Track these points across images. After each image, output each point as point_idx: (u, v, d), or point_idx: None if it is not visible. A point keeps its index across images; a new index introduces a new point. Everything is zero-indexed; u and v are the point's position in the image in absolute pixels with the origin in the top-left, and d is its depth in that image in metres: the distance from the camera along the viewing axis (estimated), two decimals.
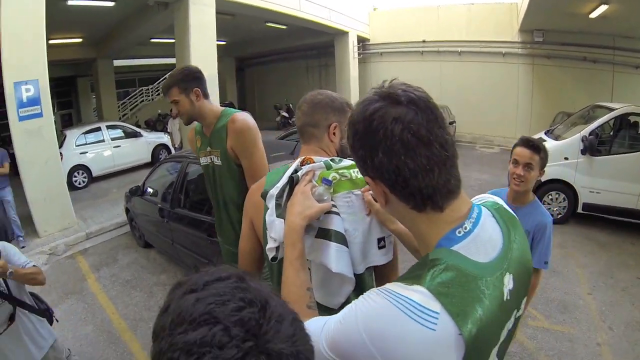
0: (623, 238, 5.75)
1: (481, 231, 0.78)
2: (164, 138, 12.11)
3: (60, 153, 7.26)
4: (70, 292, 4.70)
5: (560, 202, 6.27)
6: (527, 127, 12.20)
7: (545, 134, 7.13)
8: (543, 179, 6.03)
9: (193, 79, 2.23)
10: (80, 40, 13.27)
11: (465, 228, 0.77)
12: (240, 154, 2.17)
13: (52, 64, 6.31)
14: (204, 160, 2.40)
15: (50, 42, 6.24)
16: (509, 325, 0.81)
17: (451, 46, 14.34)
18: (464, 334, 0.66)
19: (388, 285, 0.73)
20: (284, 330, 0.49)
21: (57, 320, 2.53)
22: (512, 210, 2.20)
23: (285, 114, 15.03)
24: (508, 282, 0.78)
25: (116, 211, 7.33)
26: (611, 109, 6.18)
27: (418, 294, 0.68)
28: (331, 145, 1.42)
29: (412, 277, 0.73)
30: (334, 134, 1.40)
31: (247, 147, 2.16)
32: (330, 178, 1.17)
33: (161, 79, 19.83)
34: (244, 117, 2.20)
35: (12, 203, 6.04)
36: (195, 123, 2.40)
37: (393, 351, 0.67)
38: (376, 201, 1.07)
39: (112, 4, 9.48)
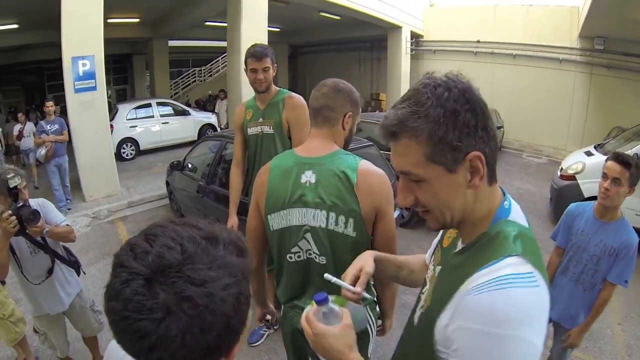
0: None
1: (513, 201, 0.84)
2: (212, 118, 12.54)
3: (112, 125, 7.67)
4: (107, 253, 5.06)
5: None
6: (580, 139, 11.48)
7: (595, 147, 6.73)
8: (586, 194, 5.82)
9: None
10: (137, 20, 13.80)
11: (507, 199, 0.83)
12: (293, 125, 2.60)
13: (110, 42, 6.71)
14: (252, 131, 2.74)
15: (109, 21, 6.60)
16: None
17: (506, 48, 13.74)
18: (548, 285, 0.72)
19: (479, 280, 0.72)
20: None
21: (85, 273, 2.76)
22: (600, 225, 2.27)
23: None
24: None
25: (158, 184, 7.67)
26: None
27: (508, 267, 0.70)
28: (341, 133, 1.55)
29: (490, 255, 0.75)
30: (347, 122, 1.53)
31: (299, 121, 2.57)
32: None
33: (214, 61, 20.34)
34: (299, 96, 2.65)
35: (67, 169, 6.51)
36: (246, 99, 2.85)
37: (523, 325, 0.67)
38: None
39: None
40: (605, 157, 5.92)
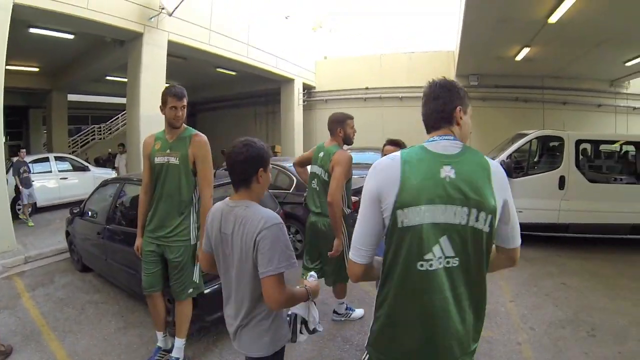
0: (550, 252, 6.20)
1: (439, 139, 1.46)
2: (112, 173, 11.97)
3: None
4: (3, 307, 4.59)
5: None
6: None
7: None
8: None
9: None
10: (37, 69, 13.31)
11: (433, 139, 1.47)
12: (198, 159, 3.01)
13: (5, 91, 6.37)
14: (159, 160, 3.04)
15: (7, 67, 6.33)
16: None
17: (393, 92, 15.12)
18: (407, 163, 1.39)
19: None
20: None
21: None
22: None
23: None
24: None
25: (57, 239, 7.20)
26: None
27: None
28: (340, 138, 3.53)
29: None
30: (340, 133, 3.53)
31: (204, 156, 3.03)
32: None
33: (114, 119, 19.70)
34: (204, 135, 3.11)
35: None
36: (155, 132, 3.19)
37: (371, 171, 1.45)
38: None
39: (71, 36, 9.63)
40: None
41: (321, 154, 3.56)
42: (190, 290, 3.11)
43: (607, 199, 6.37)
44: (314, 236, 3.66)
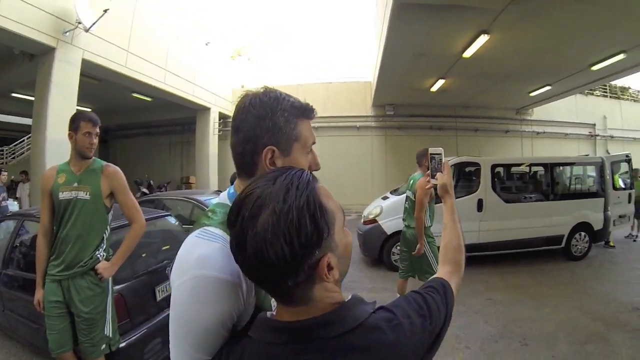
0: (473, 271, 6.44)
1: None
2: (14, 205, 10.59)
3: None
4: None
5: None
6: (383, 192, 13.20)
7: (391, 193, 8.02)
8: (388, 232, 6.73)
9: None
10: None
11: None
12: (117, 192, 2.74)
13: None
14: (64, 195, 2.61)
15: None
16: None
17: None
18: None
19: None
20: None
21: None
22: None
23: (145, 190, 13.29)
24: None
25: None
26: None
27: None
28: (425, 167, 4.42)
29: None
30: (425, 163, 4.29)
31: (123, 186, 2.77)
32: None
33: (19, 141, 17.79)
34: (115, 166, 2.81)
35: None
36: (56, 165, 2.76)
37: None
38: None
39: None
40: (396, 197, 6.99)
41: (411, 181, 4.72)
42: (103, 346, 2.66)
43: (522, 217, 6.98)
44: (404, 243, 4.75)
